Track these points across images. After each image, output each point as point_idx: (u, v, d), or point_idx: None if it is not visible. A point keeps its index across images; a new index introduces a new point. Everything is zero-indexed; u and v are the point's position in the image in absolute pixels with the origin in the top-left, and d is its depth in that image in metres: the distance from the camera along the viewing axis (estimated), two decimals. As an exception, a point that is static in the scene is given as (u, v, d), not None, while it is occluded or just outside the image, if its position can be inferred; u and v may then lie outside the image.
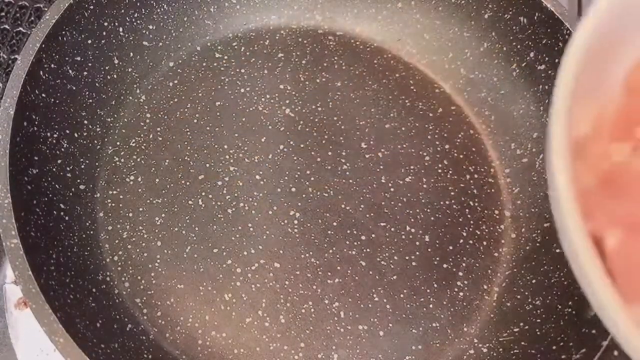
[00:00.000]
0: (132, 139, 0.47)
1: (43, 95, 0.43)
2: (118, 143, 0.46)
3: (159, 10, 0.48)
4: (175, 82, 0.49)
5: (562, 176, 0.28)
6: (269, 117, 0.47)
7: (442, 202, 0.46)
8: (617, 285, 0.26)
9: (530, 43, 0.47)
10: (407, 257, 0.44)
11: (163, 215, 0.44)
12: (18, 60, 0.41)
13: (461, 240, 0.45)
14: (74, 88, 0.45)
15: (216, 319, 0.41)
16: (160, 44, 0.49)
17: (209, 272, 0.43)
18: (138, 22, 0.48)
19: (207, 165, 0.46)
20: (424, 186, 0.47)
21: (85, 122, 0.46)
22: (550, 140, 0.29)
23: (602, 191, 0.29)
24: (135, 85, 0.48)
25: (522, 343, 0.41)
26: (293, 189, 0.45)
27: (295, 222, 0.44)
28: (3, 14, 0.53)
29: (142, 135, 0.47)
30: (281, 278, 0.43)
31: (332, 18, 0.52)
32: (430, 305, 0.43)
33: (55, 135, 0.43)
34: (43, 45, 0.42)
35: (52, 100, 0.43)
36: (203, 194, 0.45)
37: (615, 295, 0.25)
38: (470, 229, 0.45)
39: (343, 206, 0.45)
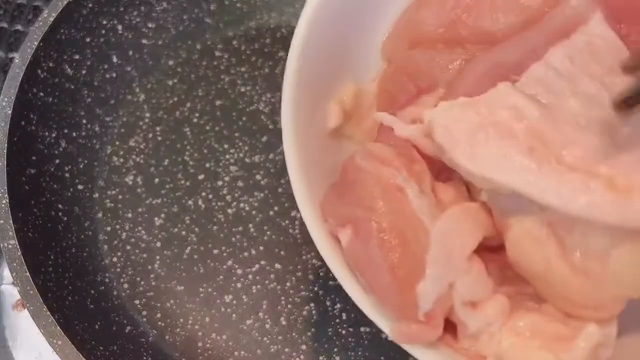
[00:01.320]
0: (131, 139, 0.46)
1: (41, 94, 0.42)
2: (117, 143, 0.46)
3: (158, 9, 0.48)
4: (175, 81, 0.48)
5: (299, 191, 0.30)
6: (270, 116, 0.47)
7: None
8: (356, 275, 0.29)
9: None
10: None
11: (162, 215, 0.44)
12: (16, 59, 0.41)
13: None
14: (73, 87, 0.45)
15: (216, 321, 0.41)
16: (160, 42, 0.49)
17: (209, 273, 0.42)
18: (137, 20, 0.47)
19: (207, 165, 0.45)
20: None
21: (84, 121, 0.45)
22: (287, 159, 0.31)
23: (336, 190, 0.31)
24: (134, 84, 0.48)
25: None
26: (294, 189, 0.45)
27: (297, 222, 0.44)
28: (1, 12, 0.53)
29: (141, 134, 0.46)
30: (282, 279, 0.42)
31: (333, 16, 0.52)
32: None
33: (53, 135, 0.43)
34: (41, 44, 0.41)
35: (50, 99, 0.43)
36: (203, 194, 0.44)
37: (353, 286, 0.29)
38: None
39: (345, 206, 0.45)
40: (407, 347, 0.29)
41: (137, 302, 0.42)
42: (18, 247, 0.36)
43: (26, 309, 0.35)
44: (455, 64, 0.31)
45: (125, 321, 0.41)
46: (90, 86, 0.46)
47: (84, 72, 0.45)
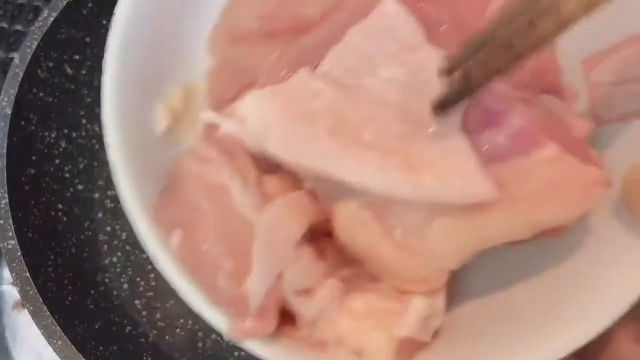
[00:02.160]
0: (131, 139, 0.46)
1: (41, 94, 0.42)
2: (117, 143, 0.46)
3: (158, 9, 0.48)
4: (175, 81, 0.48)
5: (131, 201, 0.30)
6: (270, 116, 0.47)
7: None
8: (189, 278, 0.29)
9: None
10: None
11: (162, 215, 0.44)
12: (16, 59, 0.40)
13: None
14: (73, 87, 0.44)
15: (216, 321, 0.41)
16: (160, 42, 0.48)
17: (209, 273, 0.42)
18: (137, 20, 0.47)
19: (207, 165, 0.45)
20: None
21: (84, 121, 0.45)
22: (115, 169, 0.31)
23: (164, 195, 0.30)
24: (134, 84, 0.48)
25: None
26: (294, 189, 0.45)
27: (297, 222, 0.43)
28: (1, 12, 0.53)
29: (141, 134, 0.46)
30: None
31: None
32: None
33: (53, 135, 0.43)
34: (41, 44, 0.41)
35: (50, 99, 0.43)
36: (203, 194, 0.44)
37: (188, 290, 0.29)
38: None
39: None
40: (246, 345, 0.28)
41: (137, 302, 0.42)
42: (18, 247, 0.36)
43: (26, 309, 0.35)
44: (273, 56, 0.31)
45: (125, 321, 0.41)
46: (90, 86, 0.45)
47: (83, 72, 0.45)
